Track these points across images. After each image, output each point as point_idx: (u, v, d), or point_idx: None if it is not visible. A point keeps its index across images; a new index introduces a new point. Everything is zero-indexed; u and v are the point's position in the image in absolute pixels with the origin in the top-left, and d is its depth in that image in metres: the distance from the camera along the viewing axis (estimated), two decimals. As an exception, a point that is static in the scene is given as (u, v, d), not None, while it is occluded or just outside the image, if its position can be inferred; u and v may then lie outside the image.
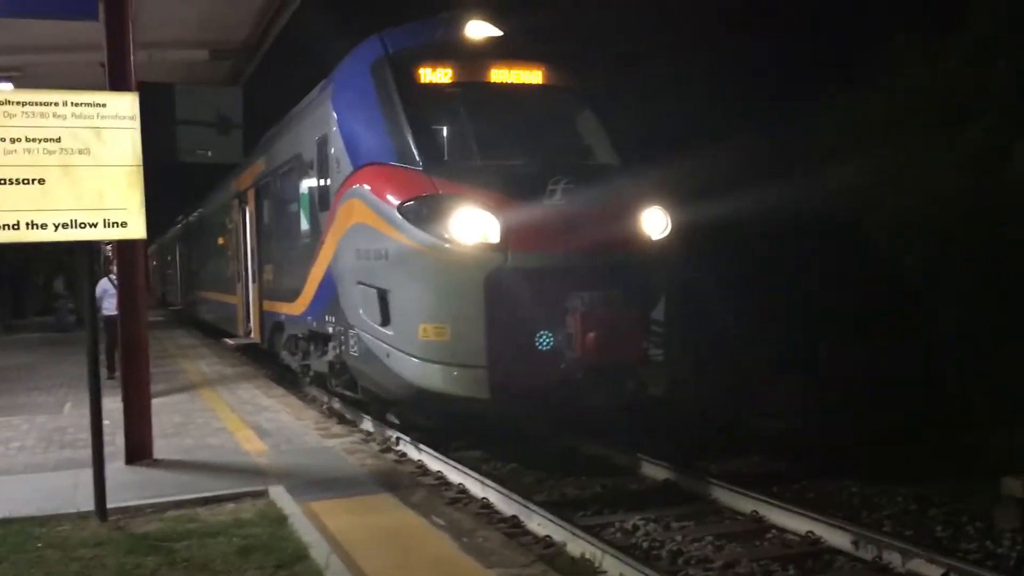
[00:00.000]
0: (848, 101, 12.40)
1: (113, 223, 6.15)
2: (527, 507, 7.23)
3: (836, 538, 6.58)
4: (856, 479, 8.29)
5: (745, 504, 7.44)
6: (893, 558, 6.11)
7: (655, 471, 8.58)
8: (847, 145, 12.32)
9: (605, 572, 6.00)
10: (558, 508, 7.40)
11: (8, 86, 12.93)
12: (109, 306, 13.32)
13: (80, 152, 6.08)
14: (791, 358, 11.95)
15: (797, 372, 11.56)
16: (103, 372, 10.71)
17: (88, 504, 6.34)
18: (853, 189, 11.74)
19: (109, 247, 16.70)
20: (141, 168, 6.24)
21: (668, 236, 9.01)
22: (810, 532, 6.75)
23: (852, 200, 11.87)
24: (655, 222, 8.97)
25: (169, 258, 37.65)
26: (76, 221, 6.05)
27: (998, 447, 8.59)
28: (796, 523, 6.92)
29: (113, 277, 12.85)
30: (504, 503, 7.52)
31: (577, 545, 6.44)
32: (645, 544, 6.81)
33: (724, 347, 11.80)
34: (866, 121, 12.33)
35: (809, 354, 12.07)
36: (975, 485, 7.78)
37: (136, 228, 6.24)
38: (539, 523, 6.97)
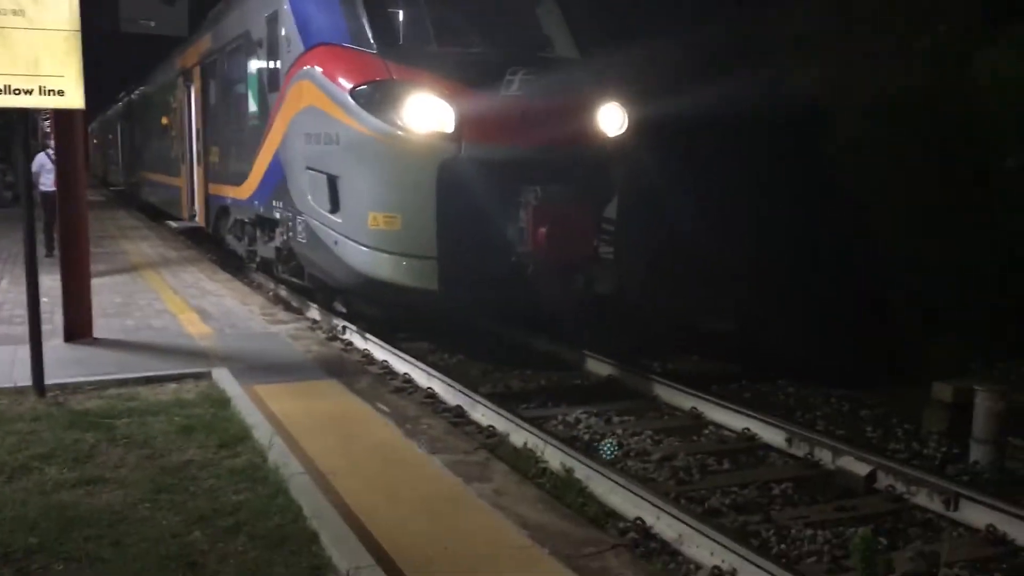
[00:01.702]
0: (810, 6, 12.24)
1: (50, 91, 5.86)
2: (471, 397, 7.31)
3: (770, 435, 6.77)
4: (793, 381, 8.53)
5: (685, 401, 7.61)
6: (824, 455, 6.32)
7: (599, 367, 8.70)
8: (803, 46, 12.20)
9: (547, 462, 6.11)
10: (502, 400, 7.49)
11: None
12: (47, 181, 12.92)
13: (14, 13, 5.74)
14: (742, 262, 12.05)
15: (747, 277, 11.68)
16: (41, 249, 10.41)
17: (26, 379, 6.24)
18: (808, 92, 11.68)
19: (47, 120, 16.07)
20: (79, 33, 5.92)
21: (624, 133, 8.92)
22: (746, 429, 6.94)
23: (807, 104, 11.82)
24: (612, 118, 8.86)
25: (111, 137, 36.48)
26: (10, 87, 5.75)
27: (930, 355, 8.85)
28: (733, 420, 7.10)
29: (51, 152, 12.41)
30: (449, 393, 7.58)
31: (520, 436, 6.53)
32: (586, 436, 6.95)
33: (676, 248, 11.85)
34: (819, 26, 12.20)
35: (761, 258, 12.18)
36: (906, 390, 8.04)
37: (74, 97, 5.95)
38: (483, 413, 7.06)
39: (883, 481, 5.88)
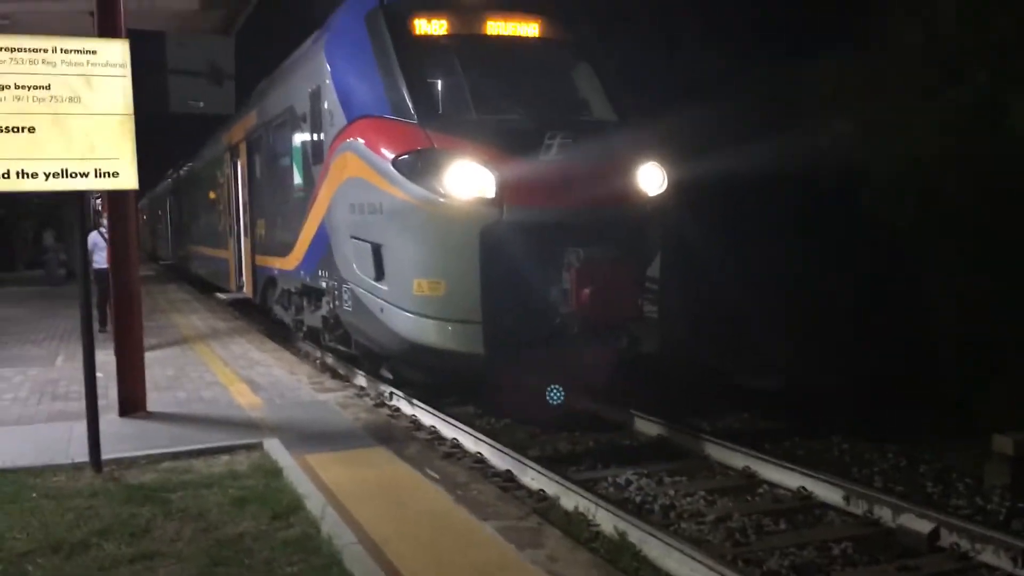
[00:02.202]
0: (840, 57, 12.30)
1: (105, 173, 6.07)
2: (521, 462, 7.27)
3: (827, 493, 6.64)
4: (847, 435, 8.37)
5: (737, 459, 7.50)
6: (884, 513, 6.17)
7: (648, 427, 8.63)
8: (838, 102, 12.24)
9: (599, 525, 6.04)
10: (552, 463, 7.45)
11: (-5, 34, 12.73)
12: (99, 259, 13.23)
13: (70, 100, 5.97)
14: (785, 316, 11.96)
15: (791, 330, 11.58)
16: (95, 325, 10.65)
17: (83, 455, 6.33)
18: (843, 146, 11.68)
19: (99, 199, 16.57)
20: (132, 117, 6.14)
21: (664, 192, 8.96)
22: (801, 487, 6.81)
23: (842, 158, 11.82)
24: (651, 178, 8.91)
25: (160, 212, 37.45)
26: (67, 170, 5.96)
27: (988, 406, 8.66)
28: (788, 478, 6.98)
29: (103, 230, 12.76)
30: (498, 458, 7.55)
31: (571, 499, 6.48)
32: (638, 498, 6.87)
33: (719, 304, 11.81)
34: (857, 78, 12.24)
35: (803, 312, 12.09)
36: (965, 442, 7.86)
37: (128, 178, 6.16)
38: (533, 477, 7.02)
39: (947, 539, 5.73)
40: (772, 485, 7.06)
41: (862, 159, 11.61)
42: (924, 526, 5.86)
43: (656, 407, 8.79)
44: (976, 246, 10.39)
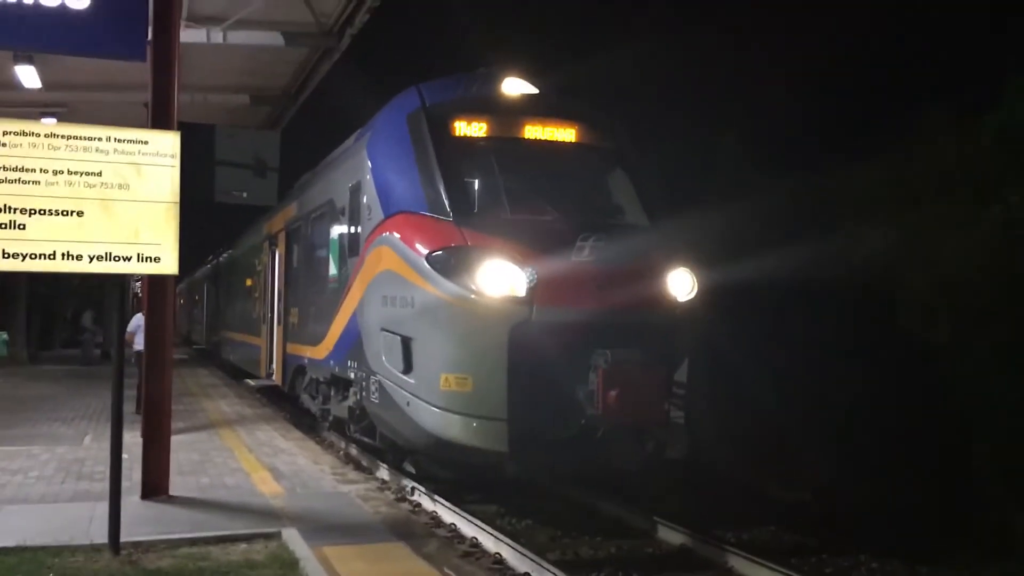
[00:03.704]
0: (875, 173, 12.45)
1: (147, 258, 6.25)
2: (540, 565, 7.13)
3: (855, 614, 6.44)
4: (876, 554, 8.13)
5: (762, 574, 7.30)
6: (913, 638, 5.97)
7: (671, 535, 8.46)
8: (872, 217, 12.34)
9: (617, 636, 5.89)
10: (572, 568, 7.30)
11: (52, 121, 13.29)
12: (141, 341, 13.44)
13: (120, 187, 6.21)
14: (815, 427, 11.81)
15: (821, 441, 11.41)
16: (129, 406, 10.77)
17: (102, 536, 6.34)
18: (876, 259, 11.72)
19: (139, 284, 16.92)
20: (177, 205, 6.35)
21: (694, 298, 9.00)
22: (828, 606, 6.61)
23: (876, 270, 11.84)
24: (681, 283, 8.97)
25: (196, 297, 38.03)
26: (111, 254, 6.15)
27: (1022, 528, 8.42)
28: (814, 596, 6.78)
29: (143, 312, 13.00)
30: (517, 559, 7.42)
31: (589, 606, 6.33)
32: (659, 609, 6.70)
33: (748, 412, 11.69)
34: (892, 194, 12.36)
35: (834, 424, 11.92)
36: (998, 565, 7.61)
37: (169, 263, 6.33)
38: (552, 581, 6.87)
39: (979, 668, 5.51)
40: (798, 602, 6.86)
41: (895, 274, 11.62)
42: (955, 653, 5.65)
43: (681, 514, 8.63)
44: (1015, 365, 10.28)
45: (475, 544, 7.98)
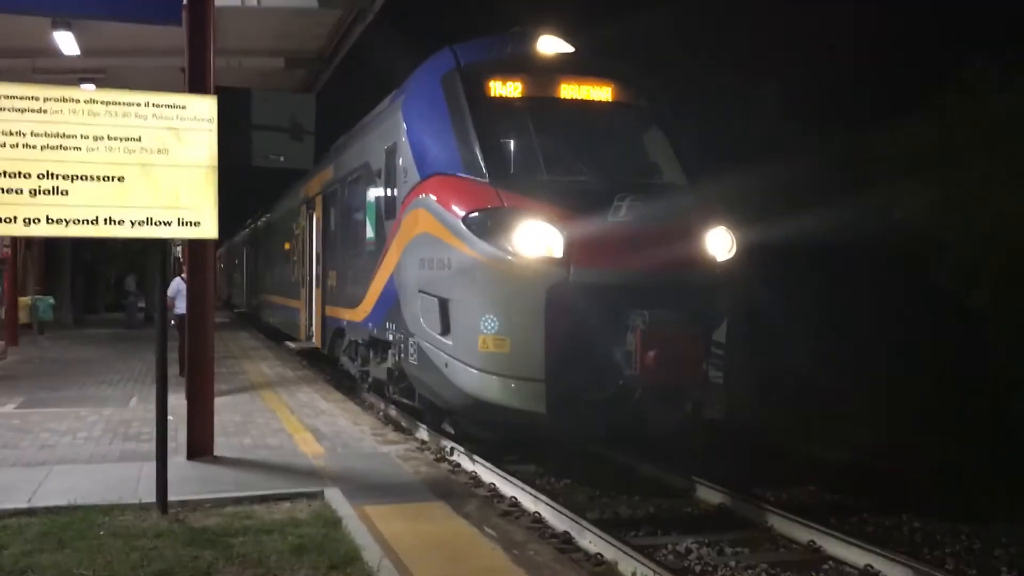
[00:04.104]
0: (920, 125, 12.19)
1: (187, 222, 6.31)
2: (579, 523, 7.19)
3: (895, 573, 6.41)
4: (919, 514, 8.08)
5: (802, 533, 7.30)
6: (955, 597, 5.94)
7: (710, 495, 8.47)
8: (914, 172, 12.10)
9: (656, 593, 5.93)
10: (610, 526, 7.34)
11: (91, 87, 13.40)
12: (182, 305, 13.63)
13: (159, 152, 6.25)
14: (856, 386, 11.71)
15: (862, 401, 11.32)
16: (173, 368, 10.95)
17: (150, 496, 6.48)
18: (919, 218, 11.52)
19: (179, 247, 17.11)
20: (216, 169, 6.38)
21: (733, 257, 8.92)
22: (868, 566, 6.59)
23: (917, 230, 11.64)
24: (720, 243, 8.89)
25: (236, 261, 38.46)
26: (152, 219, 6.21)
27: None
28: (854, 555, 6.76)
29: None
30: (556, 518, 7.48)
31: (628, 564, 6.37)
32: (698, 568, 6.73)
33: (788, 372, 11.62)
34: (936, 147, 12.10)
35: (874, 384, 11.82)
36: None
37: (209, 228, 6.39)
38: (591, 540, 6.93)
39: (1022, 627, 5.48)
40: (838, 561, 6.84)
41: (938, 233, 11.42)
42: (998, 613, 5.62)
43: (720, 474, 8.63)
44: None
45: (514, 503, 8.05)
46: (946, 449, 10.05)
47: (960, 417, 10.74)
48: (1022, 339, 10.60)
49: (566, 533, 7.20)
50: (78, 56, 13.45)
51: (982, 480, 9.07)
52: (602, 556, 6.67)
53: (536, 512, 7.75)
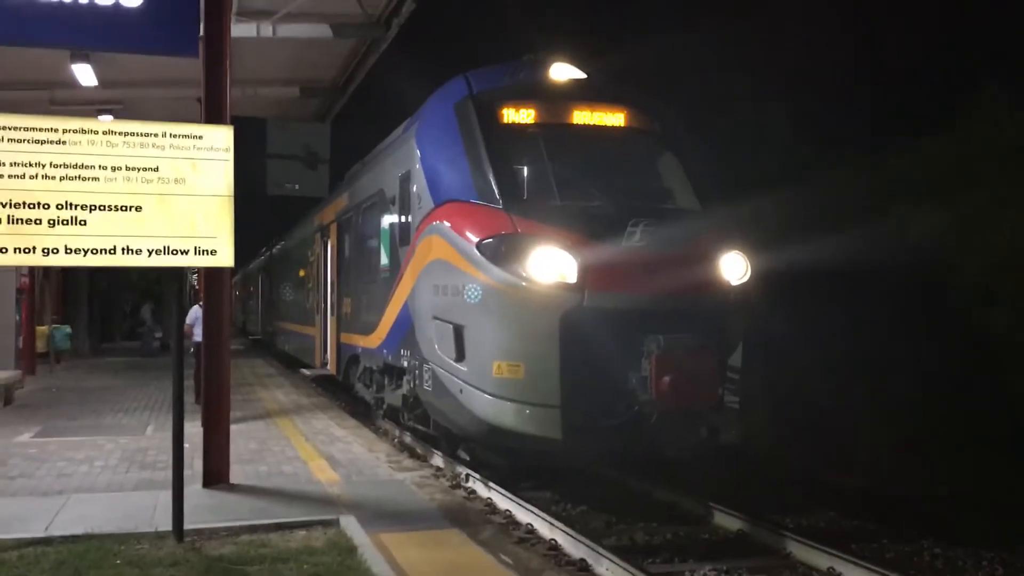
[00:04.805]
0: (933, 150, 12.18)
1: (204, 251, 6.35)
2: (596, 550, 7.14)
3: (917, 600, 6.33)
4: (939, 539, 7.98)
5: (821, 560, 7.22)
6: (978, 624, 5.85)
7: (728, 521, 8.40)
8: (930, 195, 12.07)
9: (674, 621, 5.87)
10: (627, 553, 7.28)
11: (109, 118, 13.56)
12: (199, 332, 13.69)
13: (176, 181, 6.31)
14: (873, 411, 11.63)
15: (879, 426, 11.23)
16: (189, 396, 10.99)
17: (166, 524, 6.48)
18: (933, 241, 11.48)
19: (195, 275, 17.22)
20: (232, 198, 6.44)
21: (747, 281, 8.90)
22: (890, 592, 6.51)
23: (931, 253, 11.60)
24: (734, 267, 8.87)
25: (251, 288, 38.64)
26: (169, 248, 6.26)
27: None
28: (875, 582, 6.68)
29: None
30: (572, 545, 7.43)
31: (646, 592, 6.32)
32: (716, 595, 6.66)
33: (804, 397, 11.55)
34: (951, 171, 12.08)
35: (891, 409, 11.73)
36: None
37: (225, 256, 6.43)
38: (607, 568, 6.87)
39: (1047, 655, 5.39)
40: (858, 588, 6.77)
41: (952, 256, 11.38)
42: (1022, 640, 5.54)
43: (737, 500, 8.56)
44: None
45: (530, 530, 8.01)
46: (965, 473, 9.94)
47: (979, 440, 10.63)
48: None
49: (583, 560, 7.15)
50: (96, 87, 13.64)
51: (1003, 504, 8.96)
52: (619, 584, 6.61)
53: (552, 539, 7.70)
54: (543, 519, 8.04)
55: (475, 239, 8.71)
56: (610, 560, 6.90)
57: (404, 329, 10.57)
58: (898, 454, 10.55)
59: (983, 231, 11.27)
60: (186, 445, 6.90)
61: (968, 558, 7.60)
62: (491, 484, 9.19)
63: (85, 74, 12.90)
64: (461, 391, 8.76)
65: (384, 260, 12.06)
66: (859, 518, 8.67)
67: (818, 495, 9.39)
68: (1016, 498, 9.08)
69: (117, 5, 7.61)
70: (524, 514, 8.35)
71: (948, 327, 11.58)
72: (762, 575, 7.12)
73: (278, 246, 27.66)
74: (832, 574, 7.02)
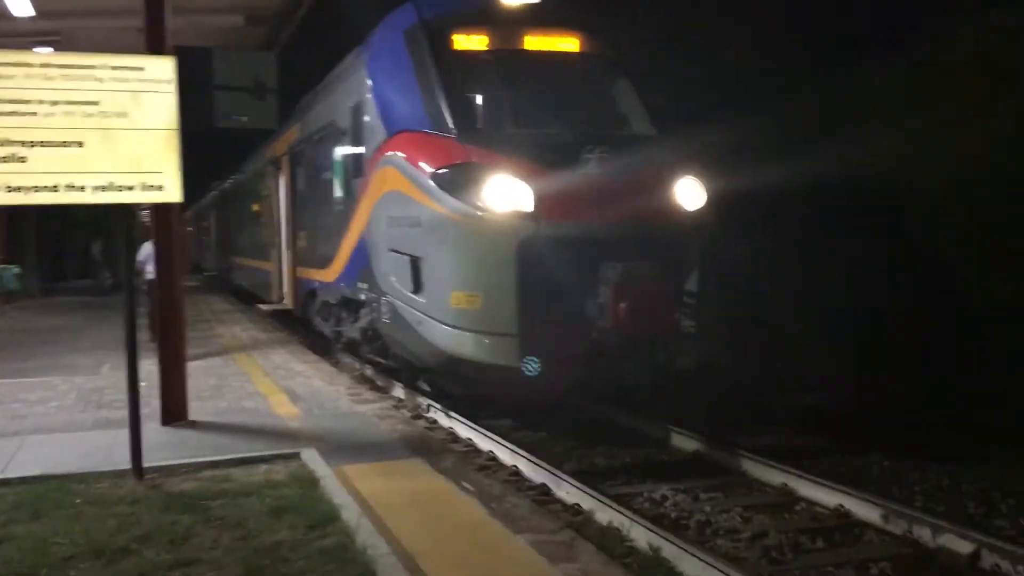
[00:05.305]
0: (892, 67, 12.17)
1: (150, 186, 6.21)
2: (556, 475, 7.27)
3: (866, 512, 6.55)
4: (888, 454, 8.24)
5: (775, 476, 7.43)
6: (923, 533, 6.08)
7: (685, 443, 8.58)
8: (889, 112, 12.12)
9: (633, 540, 6.02)
10: (587, 477, 7.42)
11: (48, 50, 13.07)
12: (152, 270, 13.48)
13: (118, 115, 6.13)
14: (826, 330, 11.85)
15: (831, 346, 11.46)
16: (144, 334, 10.85)
17: (125, 463, 6.45)
18: (888, 160, 11.58)
19: (147, 213, 16.90)
20: (178, 132, 6.28)
21: (702, 207, 8.93)
22: (840, 505, 6.73)
23: (886, 172, 11.70)
24: (690, 192, 8.89)
25: (204, 224, 38.07)
26: (113, 184, 6.11)
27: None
28: (826, 496, 6.90)
29: (153, 241, 13.00)
30: (533, 471, 7.56)
31: (605, 514, 6.47)
32: (673, 514, 6.83)
33: (758, 320, 11.72)
34: (908, 88, 12.12)
35: (844, 327, 11.96)
36: (1011, 463, 7.71)
37: (172, 191, 6.29)
38: (568, 491, 7.01)
39: (988, 560, 5.63)
40: (810, 503, 6.98)
41: (907, 175, 11.49)
42: (965, 547, 5.76)
43: (693, 422, 8.74)
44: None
45: (492, 458, 8.12)
46: (916, 388, 10.21)
47: (930, 355, 10.90)
48: (991, 275, 10.74)
49: (543, 485, 7.28)
50: (32, 18, 13.11)
51: (954, 420, 9.24)
52: (580, 506, 6.76)
53: (514, 465, 7.82)
54: (504, 446, 8.15)
55: (430, 169, 8.62)
56: (570, 484, 7.04)
57: (361, 262, 10.50)
58: (852, 372, 10.79)
59: (936, 150, 11.39)
60: (143, 383, 6.85)
61: (915, 470, 7.84)
62: (452, 414, 9.27)
63: (19, 3, 12.39)
64: (420, 323, 8.77)
65: (338, 192, 11.91)
66: (812, 436, 8.90)
67: (773, 416, 9.61)
68: (962, 412, 9.36)
69: (48, -70, 7.27)
70: (485, 442, 8.46)
71: (904, 247, 11.76)
72: (718, 493, 7.31)
73: (229, 181, 27.18)
74: (785, 490, 7.23)
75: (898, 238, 11.75)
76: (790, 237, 12.55)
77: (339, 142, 11.76)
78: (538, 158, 8.39)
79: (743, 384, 10.68)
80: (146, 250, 13.65)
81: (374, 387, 11.00)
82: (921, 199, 11.64)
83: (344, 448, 7.22)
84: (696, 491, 7.33)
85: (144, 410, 6.82)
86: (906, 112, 11.73)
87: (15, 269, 23.60)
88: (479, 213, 8.19)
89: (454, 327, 8.35)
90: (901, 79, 11.99)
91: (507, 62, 9.37)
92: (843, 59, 12.46)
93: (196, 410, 8.50)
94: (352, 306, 11.55)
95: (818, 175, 11.19)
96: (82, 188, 6.02)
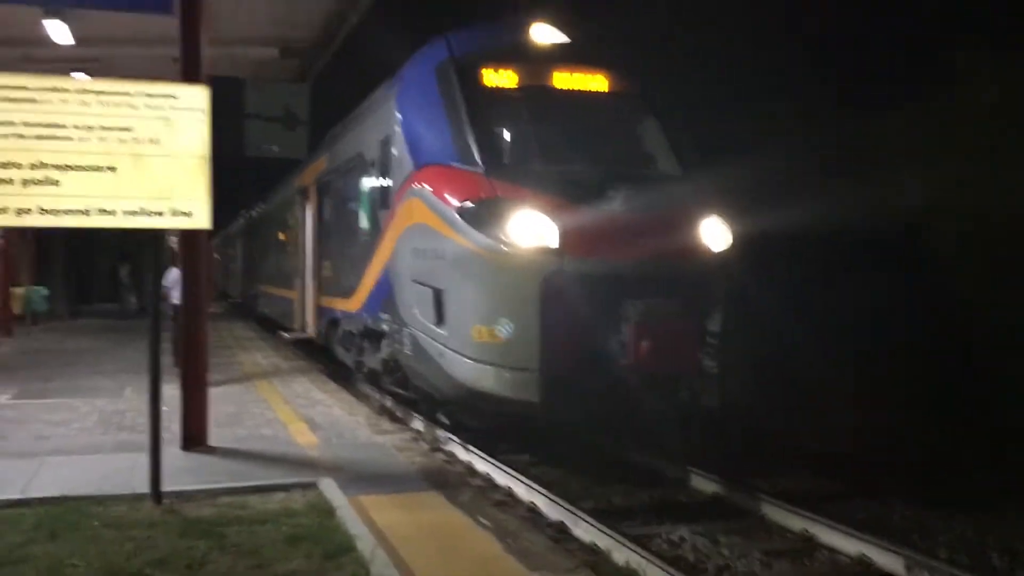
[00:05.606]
0: (911, 112, 12.16)
1: (179, 212, 6.28)
2: (573, 513, 7.21)
3: (888, 561, 6.44)
4: (912, 502, 8.11)
5: (795, 522, 7.32)
6: (948, 585, 5.96)
7: (704, 484, 8.49)
8: (909, 158, 12.09)
9: (650, 582, 5.94)
10: (604, 516, 7.35)
11: (84, 76, 13.32)
12: (178, 295, 13.58)
13: (151, 142, 6.22)
14: (849, 374, 11.73)
15: (856, 391, 11.34)
16: (167, 359, 10.92)
17: (144, 487, 6.47)
18: (911, 206, 11.53)
19: (175, 238, 17.07)
20: (208, 159, 6.36)
21: (727, 247, 8.91)
22: (862, 554, 6.62)
23: (909, 217, 11.65)
24: (714, 232, 8.88)
25: (230, 252, 38.37)
26: (143, 209, 6.19)
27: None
28: (848, 544, 6.79)
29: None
30: (550, 508, 7.50)
31: (622, 554, 6.39)
32: (691, 557, 6.75)
33: (782, 362, 11.62)
34: (929, 134, 12.09)
35: (868, 371, 11.84)
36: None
37: (201, 218, 6.36)
38: (585, 530, 6.95)
39: (1013, 614, 5.51)
40: (831, 550, 6.87)
41: (929, 220, 11.44)
42: (990, 600, 5.65)
43: (714, 464, 8.65)
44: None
45: (509, 493, 8.07)
46: (939, 436, 10.07)
47: (953, 404, 10.76)
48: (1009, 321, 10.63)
49: (560, 523, 7.22)
50: (71, 45, 13.37)
51: (975, 466, 9.09)
52: (596, 545, 6.69)
53: (531, 502, 7.76)
54: (521, 482, 8.10)
55: (456, 203, 8.67)
56: (587, 522, 6.97)
57: (384, 293, 10.54)
58: (876, 419, 10.66)
59: (959, 194, 11.34)
60: (164, 408, 6.88)
61: (939, 520, 7.72)
62: (470, 447, 9.24)
63: (59, 31, 12.63)
64: (441, 355, 8.76)
65: (364, 223, 11.99)
66: (834, 481, 8.79)
67: (795, 459, 9.50)
68: (989, 461, 9.21)
69: (90, -40, 7.44)
70: (503, 477, 8.41)
71: (926, 292, 11.66)
72: (737, 536, 7.21)
73: (258, 208, 27.44)
74: (805, 535, 7.12)
75: (926, 284, 11.67)
76: (818, 280, 12.47)
77: (366, 173, 11.86)
78: (564, 194, 8.42)
79: (765, 426, 10.57)
80: (173, 275, 13.79)
81: (394, 418, 10.98)
82: (945, 244, 11.57)
83: (362, 478, 7.21)
84: (715, 534, 7.23)
85: (165, 435, 6.85)
86: (928, 157, 11.72)
87: (43, 291, 23.86)
88: (504, 248, 8.22)
89: (475, 360, 8.34)
90: (922, 125, 11.99)
91: (536, 99, 9.44)
92: (866, 98, 12.47)
93: (216, 436, 8.52)
94: (374, 336, 11.57)
95: (844, 218, 11.16)
96: (113, 212, 6.10)
